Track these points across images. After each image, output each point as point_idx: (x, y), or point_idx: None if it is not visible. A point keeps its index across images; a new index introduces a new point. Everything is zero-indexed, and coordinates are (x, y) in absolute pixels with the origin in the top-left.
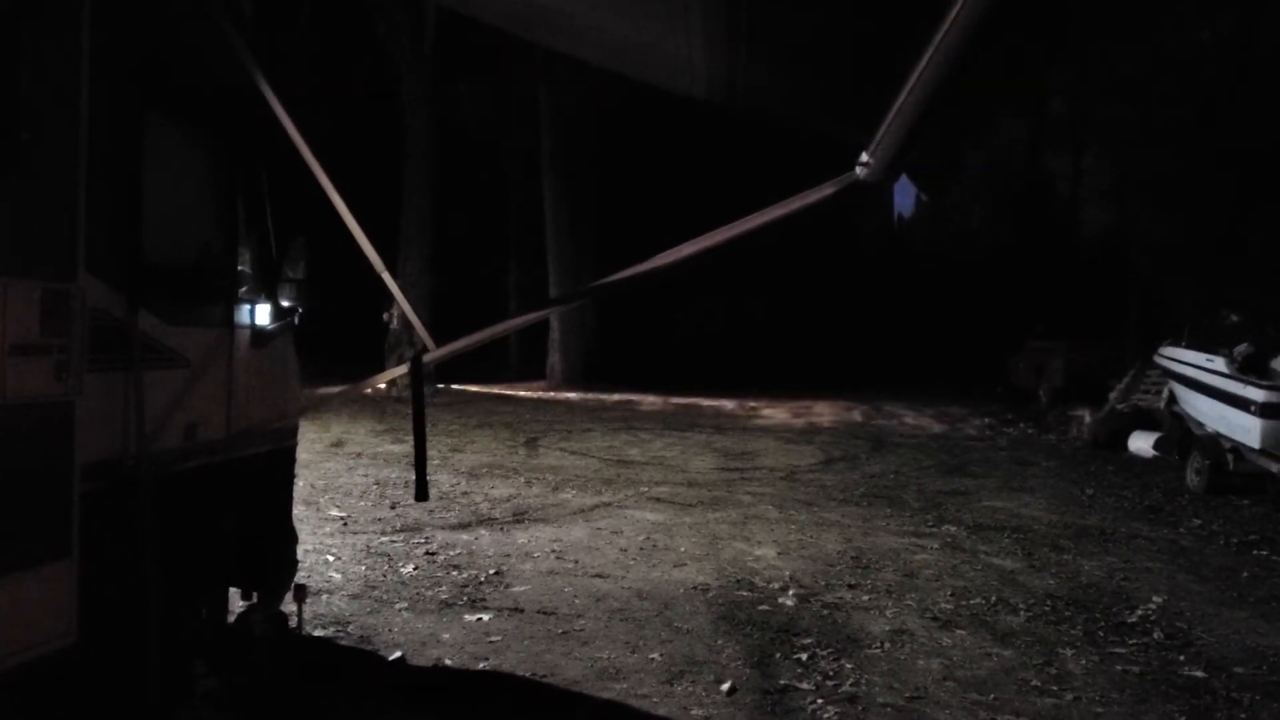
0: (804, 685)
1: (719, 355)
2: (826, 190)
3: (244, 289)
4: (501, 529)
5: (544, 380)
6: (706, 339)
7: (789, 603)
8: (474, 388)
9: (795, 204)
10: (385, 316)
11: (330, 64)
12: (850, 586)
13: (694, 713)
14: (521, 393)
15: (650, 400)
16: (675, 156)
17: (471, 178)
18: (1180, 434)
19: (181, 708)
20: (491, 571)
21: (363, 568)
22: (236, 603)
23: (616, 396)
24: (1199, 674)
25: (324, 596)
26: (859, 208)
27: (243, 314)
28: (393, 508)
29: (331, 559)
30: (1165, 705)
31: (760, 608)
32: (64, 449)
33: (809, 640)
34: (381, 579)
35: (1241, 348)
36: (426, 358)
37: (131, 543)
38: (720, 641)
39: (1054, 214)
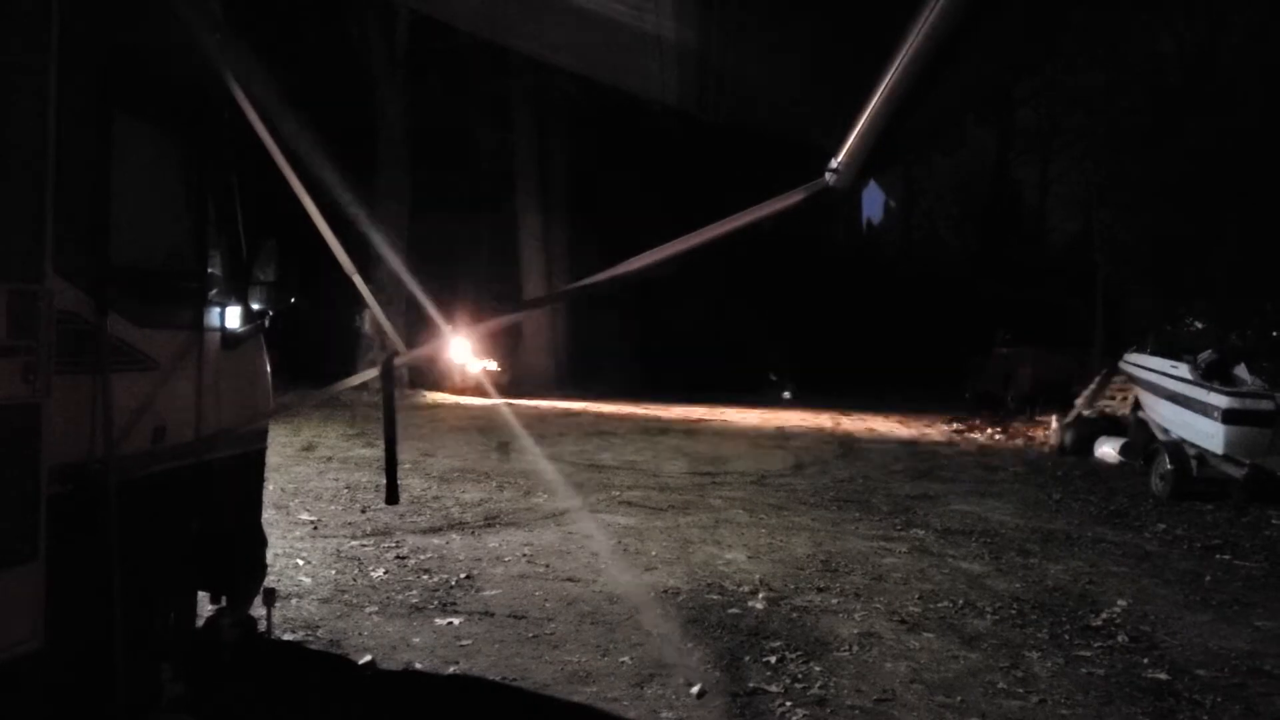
0: (773, 688)
1: (691, 360)
2: (797, 196)
3: (214, 291)
4: (472, 533)
5: (514, 385)
6: (678, 344)
7: (758, 606)
8: (441, 393)
9: (766, 210)
10: (357, 320)
11: (302, 66)
12: (819, 590)
13: (663, 715)
14: (493, 397)
15: (622, 405)
16: (648, 161)
17: (444, 181)
18: (1145, 440)
19: (149, 713)
20: (462, 575)
21: (333, 572)
22: (205, 607)
23: (588, 401)
24: (1162, 676)
25: (293, 600)
26: (830, 214)
27: (212, 317)
28: (363, 511)
29: (301, 563)
30: (1129, 707)
31: (730, 611)
32: (30, 452)
33: (778, 643)
34: (351, 583)
35: (1205, 355)
36: (397, 360)
37: (98, 547)
38: (690, 645)
39: (1022, 222)
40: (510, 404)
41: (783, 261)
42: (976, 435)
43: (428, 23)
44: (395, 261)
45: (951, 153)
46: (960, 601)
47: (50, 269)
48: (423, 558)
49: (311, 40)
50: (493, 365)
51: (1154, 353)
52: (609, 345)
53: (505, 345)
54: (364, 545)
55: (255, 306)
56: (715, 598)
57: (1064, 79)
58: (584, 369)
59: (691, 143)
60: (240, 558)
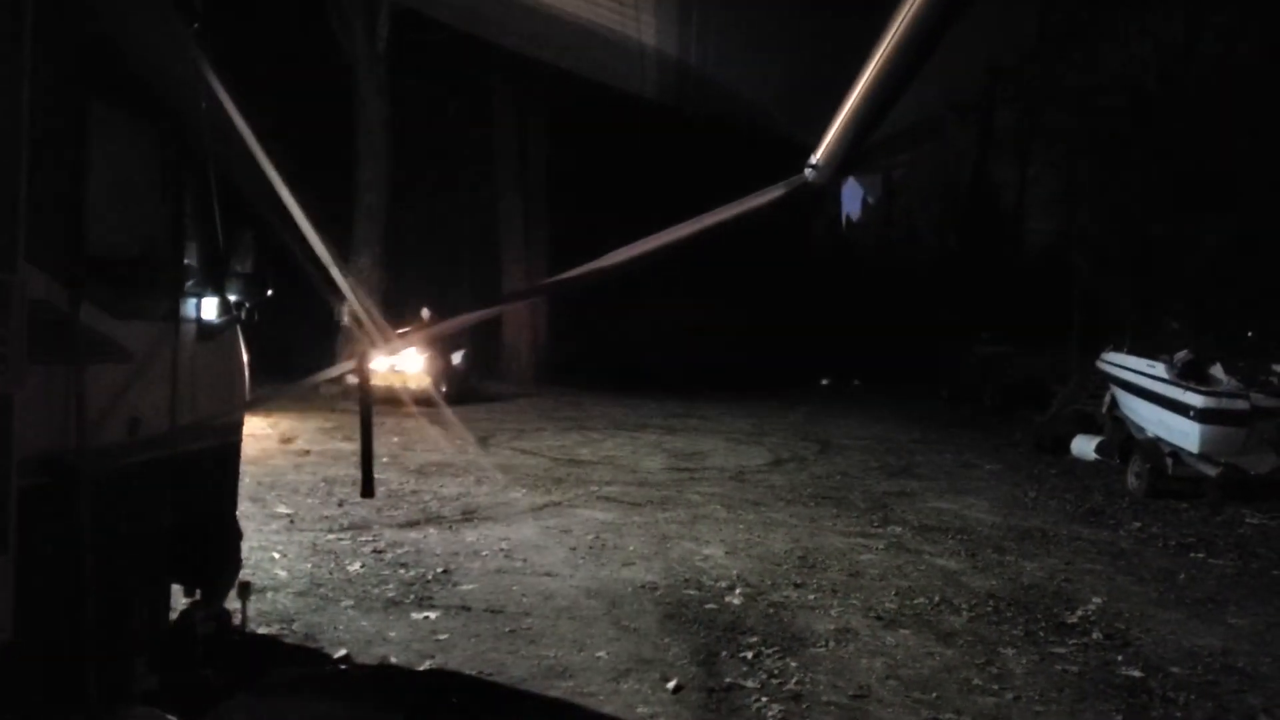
0: (749, 683)
1: (671, 356)
2: (777, 191)
3: (190, 282)
4: (450, 527)
5: (494, 380)
6: (658, 340)
7: (736, 601)
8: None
9: (746, 204)
10: (336, 313)
11: (282, 57)
12: (796, 586)
13: (640, 711)
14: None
15: (601, 400)
16: (629, 154)
17: (424, 175)
18: (1121, 438)
19: (121, 707)
20: (439, 570)
21: (309, 565)
22: (179, 600)
23: (568, 396)
24: (1136, 673)
25: (269, 594)
26: (810, 210)
27: (188, 308)
28: (340, 505)
29: (277, 556)
30: (1103, 704)
31: (707, 606)
32: (1, 443)
33: (755, 639)
34: (328, 577)
35: (1181, 354)
36: (375, 354)
37: (71, 539)
38: (667, 640)
39: (1000, 221)
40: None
41: (764, 257)
42: (954, 432)
43: (409, 15)
44: (374, 255)
45: (928, 153)
46: (937, 598)
47: (23, 258)
48: (399, 552)
49: (292, 31)
50: (457, 358)
51: (1131, 352)
52: (590, 338)
53: (475, 339)
54: (340, 539)
55: (232, 298)
56: (693, 593)
57: (1042, 80)
58: (565, 362)
59: (674, 137)
60: (215, 551)
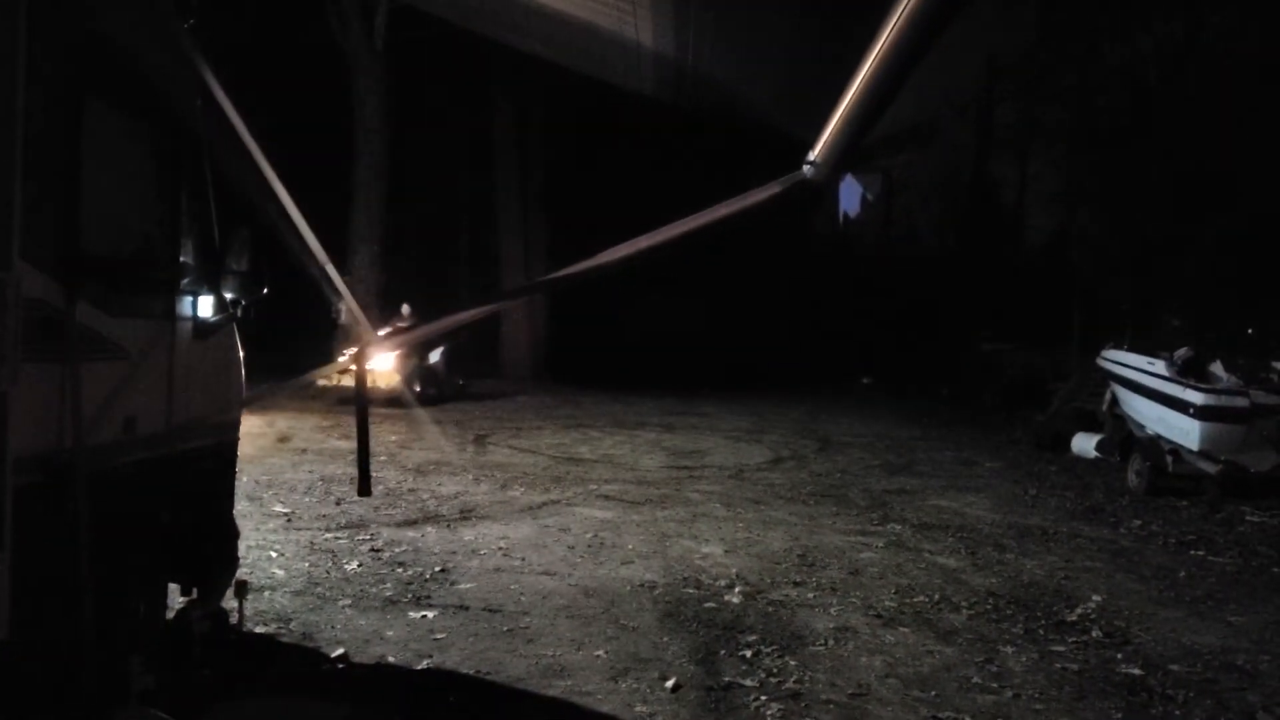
0: (748, 682)
1: (669, 354)
2: (774, 188)
3: (186, 280)
4: (448, 526)
5: (492, 379)
6: (656, 338)
7: (735, 600)
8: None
9: (744, 201)
10: (334, 311)
11: (279, 55)
12: (795, 584)
13: (638, 709)
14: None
15: (600, 398)
16: (628, 154)
17: (422, 173)
18: (1122, 436)
19: (117, 706)
20: (437, 569)
21: (306, 564)
22: (176, 599)
23: (566, 394)
24: (1136, 671)
25: (266, 593)
26: (811, 207)
27: (184, 306)
28: (338, 504)
29: (274, 555)
30: (1103, 702)
31: (706, 605)
32: None
33: (754, 637)
34: (325, 576)
35: (1181, 351)
36: (370, 351)
37: (67, 538)
38: (666, 639)
39: (1000, 219)
40: (487, 395)
41: (761, 255)
42: (954, 430)
43: (408, 13)
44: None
45: (926, 148)
46: (936, 596)
47: (18, 256)
48: (397, 550)
49: (290, 29)
50: (435, 357)
51: (1131, 349)
52: (588, 337)
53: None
54: (338, 538)
55: (228, 296)
56: (692, 592)
57: (1042, 77)
58: (563, 360)
59: (673, 136)
60: (212, 549)
